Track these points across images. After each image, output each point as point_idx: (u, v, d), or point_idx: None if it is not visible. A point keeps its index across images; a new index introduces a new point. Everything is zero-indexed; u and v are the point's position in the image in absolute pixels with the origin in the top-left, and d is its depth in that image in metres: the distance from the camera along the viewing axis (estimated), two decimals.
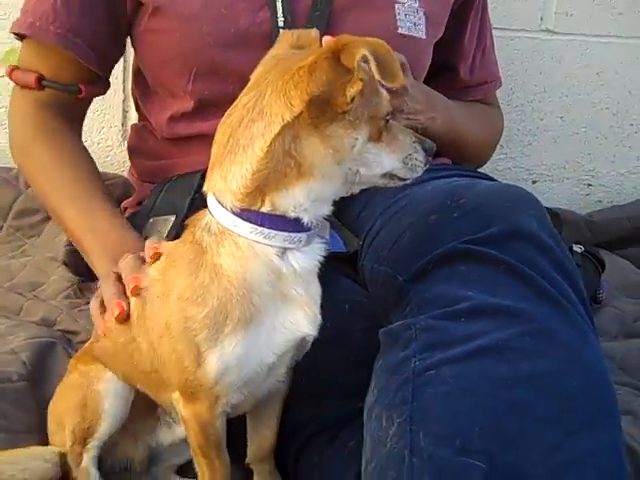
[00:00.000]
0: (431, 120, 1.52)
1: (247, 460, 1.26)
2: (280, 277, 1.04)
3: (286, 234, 1.02)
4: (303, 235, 1.03)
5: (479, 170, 1.69)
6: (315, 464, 1.21)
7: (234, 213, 1.01)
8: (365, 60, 0.95)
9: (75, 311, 1.66)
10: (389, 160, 1.06)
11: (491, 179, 1.47)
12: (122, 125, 2.38)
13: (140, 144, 1.71)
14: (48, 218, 2.03)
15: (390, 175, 1.07)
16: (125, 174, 2.20)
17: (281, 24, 1.44)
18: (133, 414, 1.24)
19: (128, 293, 1.15)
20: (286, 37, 1.13)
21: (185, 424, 1.13)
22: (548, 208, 1.46)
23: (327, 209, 1.06)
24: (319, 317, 1.09)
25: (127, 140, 1.82)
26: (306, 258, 1.05)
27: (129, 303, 1.16)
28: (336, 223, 1.40)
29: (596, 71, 2.53)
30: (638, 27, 2.51)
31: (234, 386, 1.07)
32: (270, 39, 1.43)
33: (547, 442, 0.95)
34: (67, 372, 1.31)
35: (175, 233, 1.34)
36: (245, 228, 1.01)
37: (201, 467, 1.15)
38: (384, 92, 1.05)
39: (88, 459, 1.22)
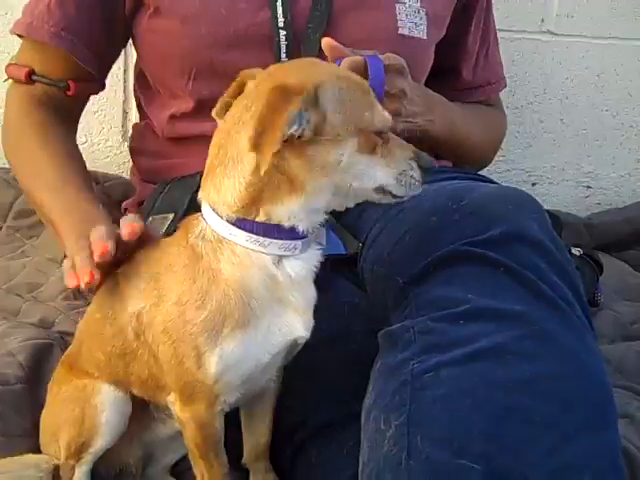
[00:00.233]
0: (430, 122, 1.52)
1: (243, 460, 1.26)
2: (276, 283, 1.05)
3: (281, 242, 1.03)
4: (298, 243, 1.05)
5: (480, 172, 1.69)
6: (312, 465, 1.21)
7: (229, 222, 1.03)
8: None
9: (73, 312, 1.65)
10: (382, 174, 1.04)
11: (492, 182, 1.47)
12: (122, 126, 2.38)
13: (142, 143, 1.72)
14: None
15: (384, 190, 1.06)
16: (125, 175, 2.21)
17: (281, 24, 1.45)
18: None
19: (95, 258, 1.13)
20: None
21: (183, 426, 1.13)
22: (547, 210, 1.46)
23: (322, 218, 1.06)
24: (312, 321, 1.10)
25: (128, 140, 1.82)
26: (302, 265, 1.06)
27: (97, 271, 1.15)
28: (336, 225, 1.40)
29: (596, 73, 2.54)
30: (638, 29, 2.52)
31: (233, 385, 1.08)
32: (270, 40, 1.44)
33: (545, 445, 0.95)
34: (54, 381, 1.29)
35: (174, 230, 1.35)
36: (241, 237, 1.03)
37: (199, 469, 1.16)
38: (378, 107, 1.05)
39: (81, 473, 1.21)
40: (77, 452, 1.20)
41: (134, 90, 1.78)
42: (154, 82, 1.60)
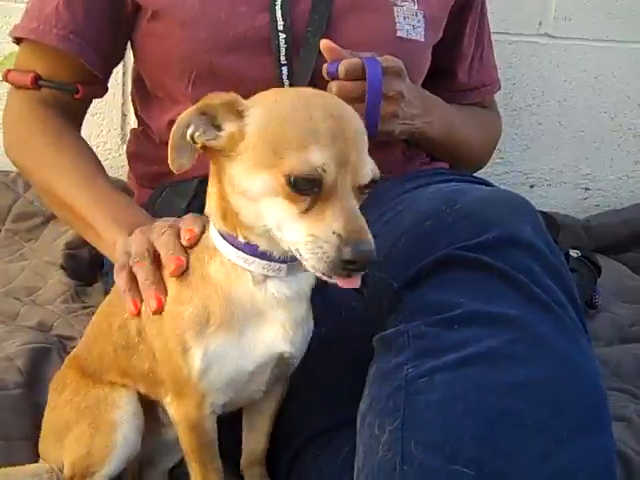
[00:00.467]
0: (428, 124, 1.52)
1: (240, 466, 1.27)
2: (260, 299, 1.07)
3: (264, 262, 1.05)
4: (283, 266, 1.05)
5: (476, 174, 1.70)
6: (308, 471, 1.21)
7: (221, 235, 1.06)
8: None
9: (72, 316, 1.66)
10: (290, 228, 0.97)
11: (488, 184, 1.47)
12: (121, 129, 2.38)
13: (139, 149, 1.72)
14: (46, 222, 2.04)
15: (298, 252, 0.97)
16: (123, 178, 2.21)
17: (280, 28, 1.44)
18: None
19: (167, 275, 1.12)
20: None
21: (177, 426, 1.15)
22: (545, 212, 1.46)
23: (286, 247, 1.00)
24: (299, 337, 1.11)
25: (126, 144, 1.82)
26: (287, 286, 1.07)
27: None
28: None
29: (594, 75, 2.54)
30: (636, 32, 2.52)
31: (216, 385, 1.09)
32: (269, 43, 1.44)
33: (538, 450, 0.95)
34: (60, 383, 1.28)
35: None
36: (230, 251, 1.06)
37: (194, 472, 1.16)
38: (311, 154, 0.94)
39: None
40: (80, 476, 1.18)
41: (131, 95, 1.77)
42: (153, 87, 1.60)
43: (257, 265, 1.05)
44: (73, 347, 1.46)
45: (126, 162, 1.80)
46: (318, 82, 1.43)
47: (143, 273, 1.15)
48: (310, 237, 0.94)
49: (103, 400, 1.20)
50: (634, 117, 2.59)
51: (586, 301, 1.88)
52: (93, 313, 1.32)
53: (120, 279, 1.18)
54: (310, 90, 1.07)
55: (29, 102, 1.57)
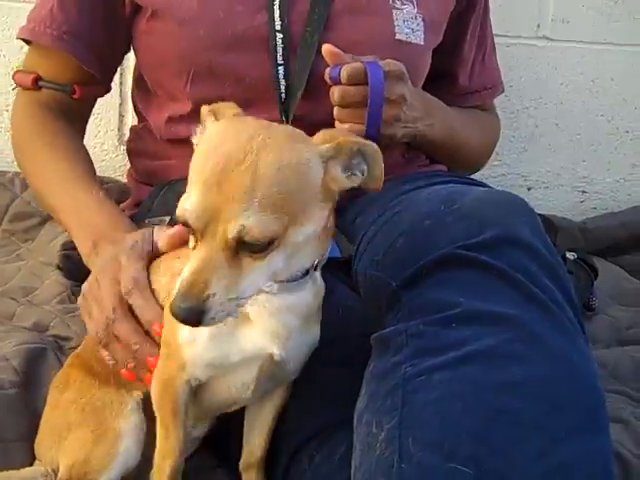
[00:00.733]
0: (429, 127, 1.53)
1: (239, 468, 1.27)
2: (248, 309, 1.06)
3: None
4: (274, 285, 1.04)
5: (473, 176, 1.70)
6: (305, 470, 1.21)
7: None
8: None
9: (68, 316, 1.65)
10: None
11: (485, 186, 1.47)
12: (118, 130, 2.38)
13: (139, 145, 1.73)
14: (43, 222, 2.04)
15: None
16: (121, 178, 2.21)
17: (278, 27, 1.45)
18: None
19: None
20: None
21: (153, 386, 1.16)
22: (543, 215, 1.46)
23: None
24: (292, 343, 1.11)
25: (125, 143, 1.83)
26: (279, 301, 1.08)
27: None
28: None
29: (591, 78, 2.54)
30: (634, 34, 2.53)
31: (198, 360, 1.10)
32: (267, 42, 1.44)
33: (535, 448, 0.94)
34: (62, 382, 1.27)
35: None
36: None
37: (158, 436, 1.16)
38: (190, 198, 0.93)
39: None
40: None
41: (132, 94, 1.79)
42: (152, 84, 1.61)
43: None
44: (70, 348, 1.48)
45: (123, 163, 1.81)
46: (315, 82, 1.43)
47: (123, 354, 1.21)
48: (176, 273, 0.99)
49: (109, 406, 1.20)
50: (631, 120, 2.59)
51: (583, 303, 1.88)
52: None
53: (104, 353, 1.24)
54: (246, 128, 0.96)
55: (31, 104, 1.61)
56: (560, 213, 2.46)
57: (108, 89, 1.70)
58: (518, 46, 2.48)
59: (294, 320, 1.10)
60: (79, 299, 1.30)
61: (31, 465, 1.23)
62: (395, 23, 1.53)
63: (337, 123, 1.40)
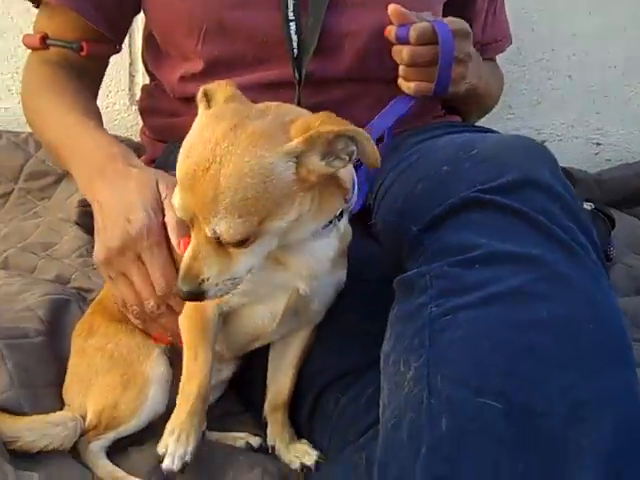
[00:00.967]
0: (478, 79, 1.54)
1: (264, 412, 1.29)
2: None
3: None
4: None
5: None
6: (331, 412, 1.22)
7: None
8: None
9: (89, 269, 1.67)
10: None
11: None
12: (129, 89, 2.37)
13: (152, 103, 1.73)
14: (59, 180, 2.05)
15: None
16: (133, 137, 2.21)
17: None
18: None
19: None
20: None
21: (184, 309, 1.18)
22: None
23: None
24: (319, 282, 1.15)
25: (136, 103, 1.82)
26: (305, 245, 1.10)
27: None
28: None
29: (604, 29, 2.51)
30: None
31: None
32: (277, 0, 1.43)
33: (563, 383, 0.95)
34: (86, 329, 1.28)
35: None
36: None
37: (185, 359, 1.17)
38: (174, 198, 1.01)
39: (97, 447, 1.18)
40: (105, 427, 1.18)
41: (142, 54, 1.78)
42: (163, 44, 1.60)
43: None
44: (92, 299, 1.48)
45: (135, 122, 1.80)
46: (326, 38, 1.42)
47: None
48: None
49: (136, 351, 1.21)
50: None
51: None
52: None
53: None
54: (218, 129, 0.98)
55: (41, 63, 1.60)
56: (575, 165, 2.44)
57: (119, 48, 1.69)
58: None
59: (320, 262, 1.13)
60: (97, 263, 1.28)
61: (61, 410, 1.25)
62: None
63: (401, 81, 1.41)
